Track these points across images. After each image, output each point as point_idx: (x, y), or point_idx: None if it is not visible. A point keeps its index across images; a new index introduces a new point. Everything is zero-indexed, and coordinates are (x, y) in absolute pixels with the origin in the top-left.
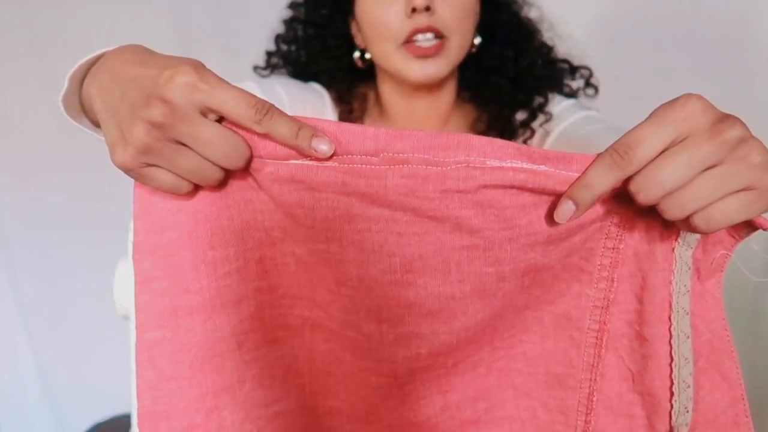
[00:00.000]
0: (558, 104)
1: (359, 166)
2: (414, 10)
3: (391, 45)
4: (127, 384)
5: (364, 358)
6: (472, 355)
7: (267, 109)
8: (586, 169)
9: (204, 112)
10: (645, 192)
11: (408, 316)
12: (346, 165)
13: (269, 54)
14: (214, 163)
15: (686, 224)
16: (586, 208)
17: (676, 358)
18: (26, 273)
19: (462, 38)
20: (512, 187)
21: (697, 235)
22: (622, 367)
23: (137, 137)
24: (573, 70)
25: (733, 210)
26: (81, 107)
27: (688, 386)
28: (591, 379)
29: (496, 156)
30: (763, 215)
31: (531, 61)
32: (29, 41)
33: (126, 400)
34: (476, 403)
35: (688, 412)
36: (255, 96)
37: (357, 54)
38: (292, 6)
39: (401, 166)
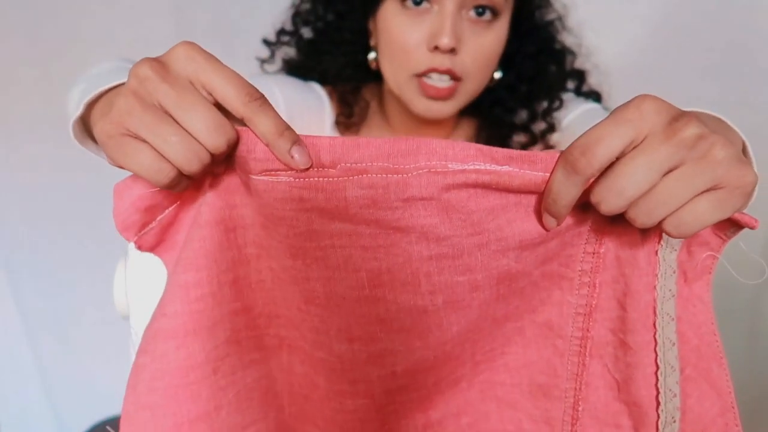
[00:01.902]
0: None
1: (316, 179)
2: (437, 47)
3: (404, 73)
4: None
5: (338, 381)
6: (453, 372)
7: (258, 97)
8: (549, 179)
9: (192, 85)
10: (606, 202)
11: (380, 333)
12: (302, 179)
13: (282, 32)
14: (198, 141)
15: (662, 231)
16: (564, 216)
17: (661, 366)
18: (26, 273)
19: (478, 83)
20: (476, 188)
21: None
22: (606, 375)
23: (122, 96)
24: (580, 91)
25: (704, 211)
26: (87, 131)
27: (675, 395)
28: (576, 389)
29: (458, 159)
30: (744, 212)
31: (547, 88)
32: (29, 42)
33: None
34: (459, 418)
35: (675, 422)
36: (249, 83)
37: (372, 55)
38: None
39: (360, 176)
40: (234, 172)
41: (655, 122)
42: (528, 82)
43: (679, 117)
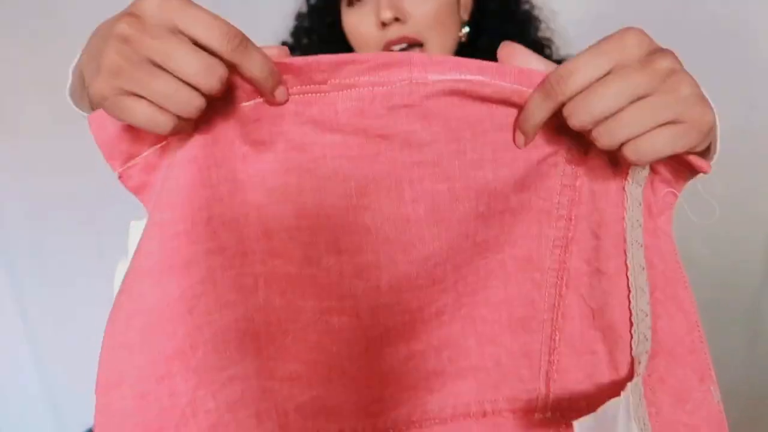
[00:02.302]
0: None
1: (310, 95)
2: (383, 24)
3: None
4: None
5: (326, 298)
6: (436, 300)
7: (241, 38)
8: (527, 100)
9: (174, 33)
10: (575, 116)
11: (366, 244)
12: (297, 96)
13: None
14: (191, 86)
15: (620, 155)
16: (532, 136)
17: (633, 290)
18: (26, 273)
19: (442, 38)
20: (453, 97)
21: (645, 173)
22: (582, 305)
23: (108, 57)
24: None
25: (661, 142)
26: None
27: (646, 315)
28: (553, 319)
29: (437, 70)
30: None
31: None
32: (29, 41)
33: None
34: (440, 352)
35: (647, 340)
36: (230, 24)
37: None
38: (298, 18)
39: (349, 90)
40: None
41: (633, 53)
42: (495, 42)
43: (657, 50)
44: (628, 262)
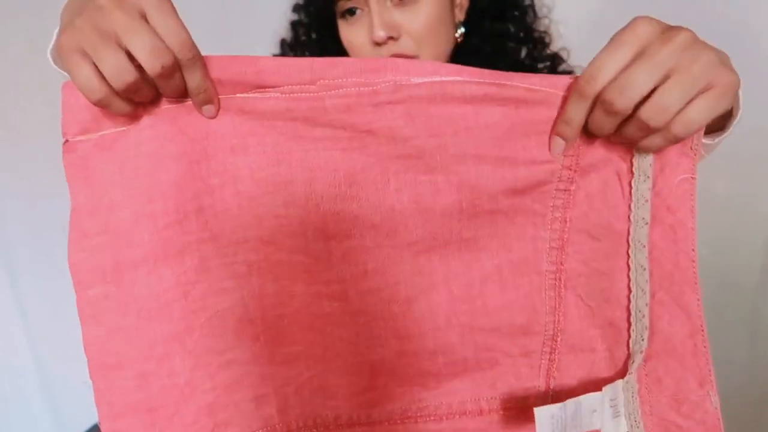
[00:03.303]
0: None
1: (300, 94)
2: (377, 43)
3: None
4: None
5: (315, 282)
6: (428, 296)
7: (194, 54)
8: (564, 106)
9: (142, 17)
10: (616, 101)
11: (353, 229)
12: (287, 95)
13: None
14: (136, 64)
15: (663, 136)
16: (573, 139)
17: (633, 289)
18: (26, 273)
19: (436, 48)
20: (434, 97)
21: (650, 160)
22: (580, 305)
23: (80, 17)
24: (554, 68)
25: (704, 108)
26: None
27: (644, 316)
28: (555, 321)
29: (419, 74)
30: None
31: (514, 60)
32: (29, 41)
33: None
34: (435, 357)
35: (643, 340)
36: (189, 38)
37: None
38: (295, 9)
39: (337, 90)
40: (191, 109)
41: (651, 34)
42: (488, 40)
43: (670, 28)
44: (630, 262)
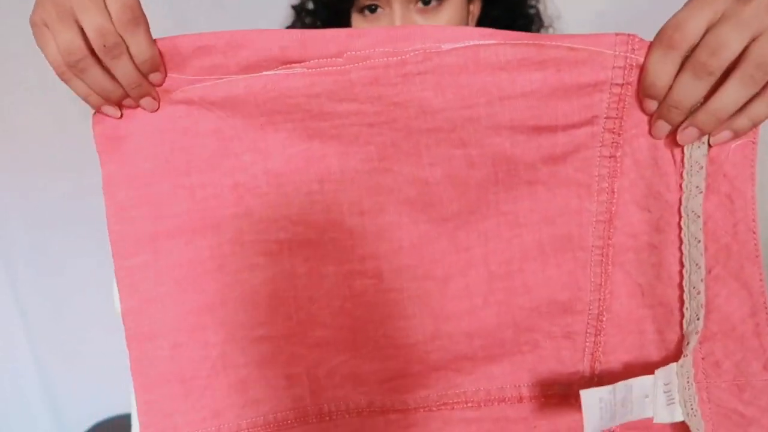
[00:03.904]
0: None
1: (326, 68)
2: None
3: None
4: (127, 384)
5: (348, 261)
6: (464, 274)
7: (130, 18)
8: (644, 65)
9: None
10: (714, 58)
11: (388, 205)
12: (313, 69)
13: None
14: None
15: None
16: (662, 96)
17: (686, 264)
18: (26, 273)
19: None
20: (467, 62)
21: None
22: (629, 282)
23: None
24: None
25: None
26: None
27: (699, 292)
28: (600, 300)
29: (450, 40)
30: None
31: None
32: (29, 41)
33: (126, 400)
34: (471, 339)
35: (699, 319)
36: (130, 8)
37: None
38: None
39: (364, 61)
40: (219, 87)
41: (727, 1)
42: None
43: None
44: (682, 235)
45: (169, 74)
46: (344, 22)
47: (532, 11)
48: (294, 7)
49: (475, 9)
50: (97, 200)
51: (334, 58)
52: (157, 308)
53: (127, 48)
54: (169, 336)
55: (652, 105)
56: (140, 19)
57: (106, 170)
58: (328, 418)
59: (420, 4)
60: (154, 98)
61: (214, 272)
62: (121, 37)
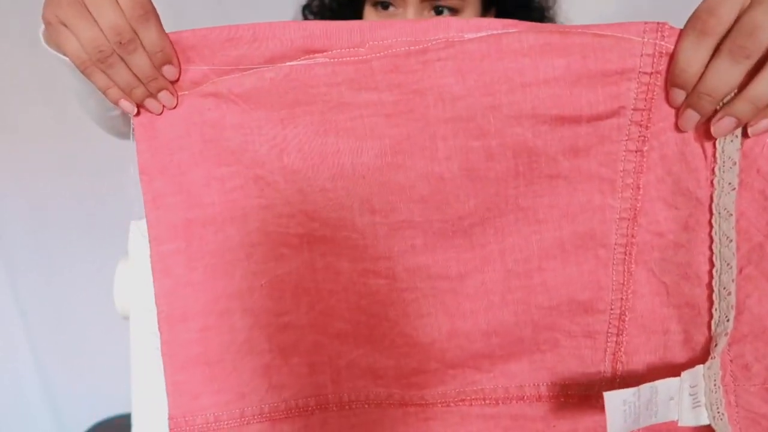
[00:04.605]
0: None
1: (348, 58)
2: None
3: None
4: (127, 384)
5: (361, 259)
6: (481, 271)
7: (143, 12)
8: (674, 51)
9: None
10: (752, 40)
11: (400, 203)
12: (335, 59)
13: None
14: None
15: None
16: (693, 83)
17: (717, 264)
18: (26, 273)
19: None
20: (490, 49)
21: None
22: (653, 281)
23: None
24: None
25: None
26: None
27: (729, 293)
28: (622, 299)
29: (472, 30)
30: None
31: None
32: (29, 42)
33: (126, 400)
34: (489, 337)
35: (728, 320)
36: (144, 3)
37: None
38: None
39: (386, 51)
40: (243, 81)
41: None
42: None
43: None
44: (713, 233)
45: (198, 66)
46: (355, 15)
47: (545, 21)
48: (304, 8)
49: None
50: (97, 201)
51: (356, 48)
52: (189, 292)
53: (141, 42)
54: (198, 319)
55: (679, 95)
56: (151, 14)
57: (141, 159)
58: (347, 407)
59: (433, 13)
60: (171, 93)
61: (243, 260)
62: (135, 32)
